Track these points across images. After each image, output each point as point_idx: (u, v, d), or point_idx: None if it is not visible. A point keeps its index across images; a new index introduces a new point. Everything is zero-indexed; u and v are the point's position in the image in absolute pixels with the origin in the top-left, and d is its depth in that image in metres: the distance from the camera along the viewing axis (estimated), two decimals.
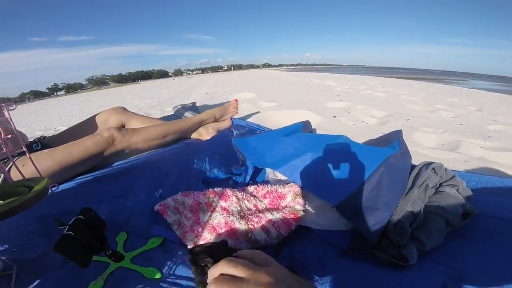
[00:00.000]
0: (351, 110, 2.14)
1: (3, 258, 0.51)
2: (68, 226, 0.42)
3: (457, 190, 0.58)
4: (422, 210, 0.50)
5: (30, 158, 0.67)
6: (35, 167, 0.68)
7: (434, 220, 0.50)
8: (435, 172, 0.60)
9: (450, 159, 1.13)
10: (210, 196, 0.62)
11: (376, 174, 0.51)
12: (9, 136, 0.61)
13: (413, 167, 0.61)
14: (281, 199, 0.59)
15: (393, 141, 0.67)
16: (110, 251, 0.48)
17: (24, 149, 0.65)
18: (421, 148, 1.26)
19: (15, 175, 0.66)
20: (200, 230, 0.55)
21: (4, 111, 0.61)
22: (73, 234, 0.41)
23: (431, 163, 0.60)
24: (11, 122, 0.63)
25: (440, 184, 0.60)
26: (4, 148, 0.60)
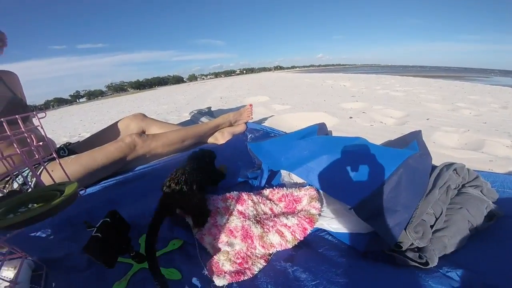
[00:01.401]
0: (367, 111, 2.09)
1: (34, 258, 0.54)
2: (96, 228, 0.44)
3: (481, 191, 0.57)
4: (443, 212, 0.49)
5: (60, 163, 0.71)
6: (65, 172, 0.71)
7: (457, 223, 0.49)
8: (457, 173, 0.58)
9: (474, 159, 1.08)
10: (228, 200, 0.63)
11: (395, 176, 0.50)
12: (41, 143, 0.65)
13: (434, 168, 0.59)
14: (297, 202, 0.59)
15: (412, 142, 0.66)
16: (134, 253, 0.50)
17: (55, 155, 0.68)
18: (443, 148, 1.21)
19: (45, 180, 0.70)
20: (217, 233, 0.56)
21: (35, 119, 0.66)
22: (100, 236, 0.43)
23: (452, 163, 0.59)
24: (42, 130, 0.67)
25: (463, 185, 0.59)
26: (36, 155, 0.64)
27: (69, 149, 1.06)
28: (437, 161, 1.00)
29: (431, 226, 0.48)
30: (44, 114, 0.70)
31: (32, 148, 0.64)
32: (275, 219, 0.55)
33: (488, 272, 0.43)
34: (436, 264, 0.44)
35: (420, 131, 0.73)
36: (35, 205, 0.41)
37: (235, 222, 0.56)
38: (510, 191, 0.65)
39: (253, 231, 0.53)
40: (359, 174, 0.55)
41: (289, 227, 0.53)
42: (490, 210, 0.53)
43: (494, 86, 4.66)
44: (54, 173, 0.72)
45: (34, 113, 0.67)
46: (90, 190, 0.87)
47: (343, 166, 0.57)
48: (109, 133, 1.18)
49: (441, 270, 0.44)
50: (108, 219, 0.46)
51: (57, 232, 0.66)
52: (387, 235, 0.45)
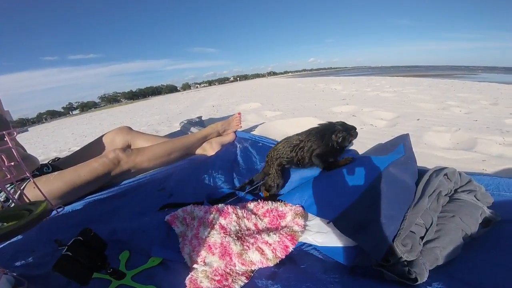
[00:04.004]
0: (358, 114, 2.09)
1: (14, 274, 0.54)
2: (66, 247, 0.45)
3: (474, 196, 0.54)
4: (433, 221, 0.47)
5: (34, 182, 0.71)
6: (40, 190, 0.71)
7: (449, 232, 0.47)
8: (448, 178, 0.56)
9: (466, 159, 1.07)
10: (213, 212, 0.62)
11: (374, 185, 0.48)
12: (12, 163, 0.64)
13: (423, 173, 0.57)
14: (281, 218, 0.57)
15: (398, 145, 0.64)
16: (111, 269, 0.50)
17: (28, 175, 0.68)
18: (435, 149, 1.20)
19: (31, 195, 0.72)
20: (197, 245, 0.56)
21: (5, 139, 0.64)
22: (71, 254, 0.44)
23: (442, 168, 0.57)
24: (13, 150, 0.65)
25: (455, 191, 0.56)
26: (8, 175, 0.63)
27: (53, 166, 1.04)
28: (429, 163, 0.98)
29: (422, 238, 0.45)
30: (14, 133, 0.68)
31: (4, 168, 0.63)
32: (257, 235, 0.54)
33: (483, 283, 0.41)
34: (426, 279, 0.41)
35: (407, 134, 0.70)
36: (5, 224, 0.43)
37: (215, 237, 0.55)
38: (505, 193, 0.62)
39: (232, 248, 0.52)
40: (338, 187, 0.52)
41: (270, 244, 0.51)
42: (485, 216, 0.51)
43: (482, 83, 4.74)
44: (36, 190, 0.71)
45: (5, 133, 0.65)
46: (74, 206, 0.86)
47: (322, 181, 0.55)
48: (94, 148, 1.16)
49: (432, 284, 0.41)
50: (81, 238, 0.47)
51: (39, 249, 0.66)
52: (372, 250, 0.42)
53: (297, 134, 0.69)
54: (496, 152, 1.14)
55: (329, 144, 0.60)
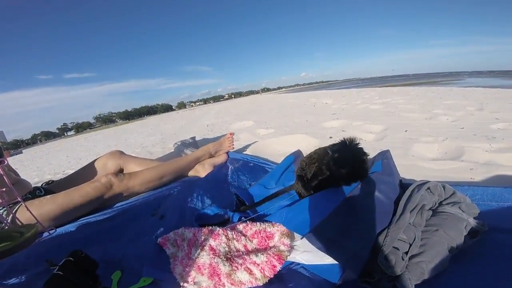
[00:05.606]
0: (347, 128, 2.11)
1: None
2: (58, 267, 0.49)
3: (459, 208, 0.56)
4: (416, 236, 0.48)
5: (26, 206, 0.75)
6: (32, 214, 0.75)
7: (434, 246, 0.48)
8: (431, 191, 0.57)
9: (454, 169, 1.08)
10: (203, 234, 0.64)
11: (346, 202, 0.50)
12: (4, 189, 0.69)
13: (406, 187, 0.58)
14: (270, 239, 0.59)
15: (377, 161, 0.65)
16: None
17: (19, 199, 0.73)
18: (422, 160, 1.22)
19: (24, 218, 0.78)
20: (187, 265, 0.57)
21: (11, 158, 0.67)
22: (62, 274, 0.47)
23: (425, 182, 0.58)
24: (4, 177, 0.69)
25: (440, 203, 0.57)
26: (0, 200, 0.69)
27: (46, 189, 1.06)
28: (417, 175, 0.99)
29: (406, 253, 0.46)
30: (5, 162, 0.71)
31: None
32: (245, 256, 0.55)
33: None
34: None
35: (388, 150, 0.72)
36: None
37: (204, 258, 0.57)
38: (491, 203, 0.63)
39: (221, 269, 0.53)
40: (312, 204, 0.54)
41: (258, 264, 0.53)
42: (472, 227, 0.52)
43: (468, 88, 4.86)
44: (29, 212, 0.75)
45: None
46: (67, 227, 0.89)
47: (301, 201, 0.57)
48: (87, 172, 1.17)
49: None
50: (71, 258, 0.51)
51: (33, 268, 0.68)
52: (349, 265, 0.43)
53: (325, 146, 0.61)
54: (483, 160, 1.15)
55: (323, 169, 0.55)
